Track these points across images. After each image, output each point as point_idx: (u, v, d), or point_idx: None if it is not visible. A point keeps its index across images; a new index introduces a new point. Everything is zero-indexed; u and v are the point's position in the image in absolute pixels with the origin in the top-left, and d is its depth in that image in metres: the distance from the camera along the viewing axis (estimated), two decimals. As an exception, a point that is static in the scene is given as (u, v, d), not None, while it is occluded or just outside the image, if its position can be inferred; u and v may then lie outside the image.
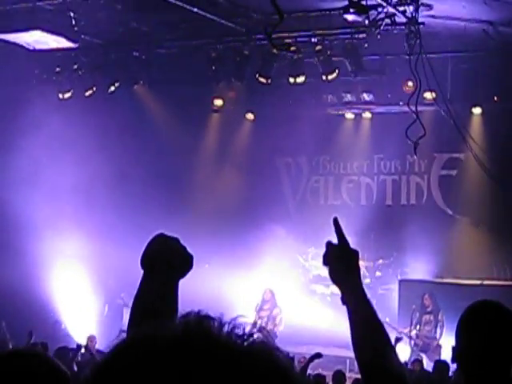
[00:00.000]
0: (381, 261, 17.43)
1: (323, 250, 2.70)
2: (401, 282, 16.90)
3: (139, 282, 2.45)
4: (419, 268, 16.97)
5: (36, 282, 16.43)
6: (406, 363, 11.79)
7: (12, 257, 16.18)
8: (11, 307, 15.16)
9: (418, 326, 15.55)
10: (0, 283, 15.69)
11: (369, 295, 2.68)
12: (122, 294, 16.41)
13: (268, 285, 16.43)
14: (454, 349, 3.10)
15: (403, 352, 13.40)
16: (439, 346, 15.24)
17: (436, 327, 15.53)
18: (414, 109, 13.01)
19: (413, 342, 15.42)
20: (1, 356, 2.37)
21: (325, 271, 2.72)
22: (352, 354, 2.62)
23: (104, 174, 17.33)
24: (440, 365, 11.85)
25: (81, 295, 17.15)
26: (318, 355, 11.78)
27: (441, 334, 15.38)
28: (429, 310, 15.67)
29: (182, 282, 2.43)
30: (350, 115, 18.64)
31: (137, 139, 18.19)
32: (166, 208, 16.86)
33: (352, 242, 2.69)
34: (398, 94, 16.34)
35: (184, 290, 2.43)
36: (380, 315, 2.66)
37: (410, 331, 15.38)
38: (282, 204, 18.99)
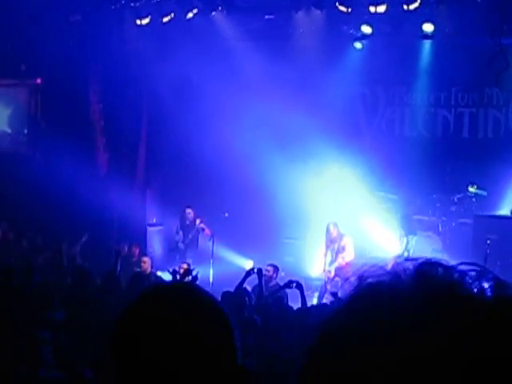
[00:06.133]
0: (456, 195, 17.18)
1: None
2: (476, 216, 16.68)
3: None
4: (495, 203, 16.74)
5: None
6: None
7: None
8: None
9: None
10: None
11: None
12: (197, 221, 17.31)
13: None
14: None
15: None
16: None
17: None
18: (497, 41, 12.69)
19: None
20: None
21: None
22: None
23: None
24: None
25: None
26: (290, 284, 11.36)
27: None
28: None
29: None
30: (428, 46, 18.23)
31: (212, 63, 18.06)
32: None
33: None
34: (480, 25, 15.87)
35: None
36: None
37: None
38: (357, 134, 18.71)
